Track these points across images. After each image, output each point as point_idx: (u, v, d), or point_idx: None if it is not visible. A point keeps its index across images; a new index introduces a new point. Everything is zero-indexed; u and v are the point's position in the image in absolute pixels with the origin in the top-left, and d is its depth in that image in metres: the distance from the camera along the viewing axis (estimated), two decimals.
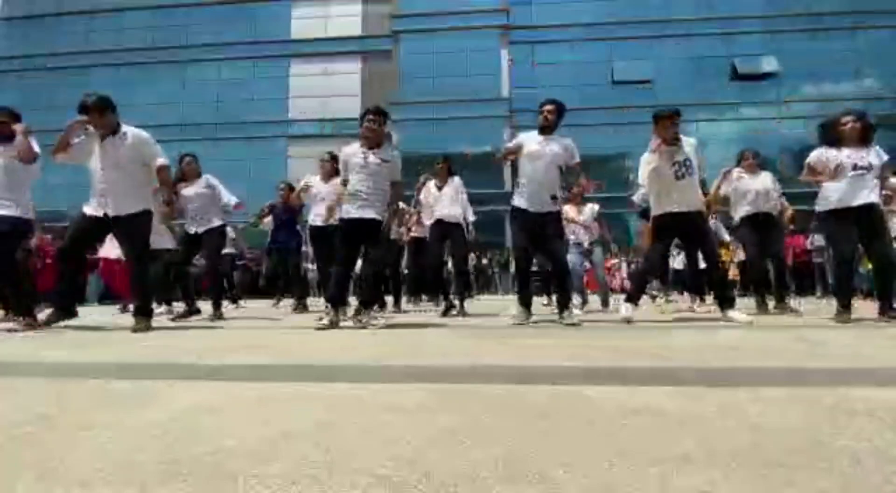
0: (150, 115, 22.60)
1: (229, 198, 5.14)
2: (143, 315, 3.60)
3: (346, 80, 22.94)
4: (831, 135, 3.88)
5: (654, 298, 8.33)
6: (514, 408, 1.20)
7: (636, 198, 5.72)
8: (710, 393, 1.34)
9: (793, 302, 5.26)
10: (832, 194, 3.75)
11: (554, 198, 3.89)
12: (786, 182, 5.74)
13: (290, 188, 6.12)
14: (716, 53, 21.21)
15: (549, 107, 3.89)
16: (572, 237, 5.73)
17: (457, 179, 5.23)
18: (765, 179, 5.02)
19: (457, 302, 5.11)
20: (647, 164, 3.97)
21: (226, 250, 7.10)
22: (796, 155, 21.06)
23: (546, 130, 3.88)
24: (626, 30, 21.90)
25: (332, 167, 5.10)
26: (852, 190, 3.67)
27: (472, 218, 5.37)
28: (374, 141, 3.68)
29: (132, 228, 3.62)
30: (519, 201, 3.92)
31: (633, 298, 4.04)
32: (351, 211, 3.67)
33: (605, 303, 5.86)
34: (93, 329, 3.65)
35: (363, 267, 3.95)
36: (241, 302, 7.74)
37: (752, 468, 0.79)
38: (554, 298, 4.59)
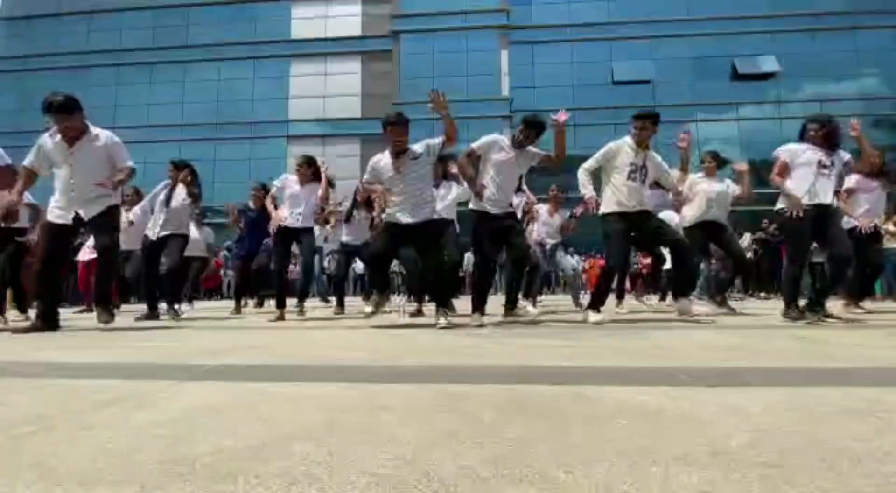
0: (150, 115, 22.69)
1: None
2: (105, 305, 3.61)
3: (346, 80, 22.96)
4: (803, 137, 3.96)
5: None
6: (514, 408, 1.20)
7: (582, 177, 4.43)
8: (711, 393, 1.34)
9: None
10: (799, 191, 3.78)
11: (510, 205, 4.02)
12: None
13: (264, 189, 5.98)
14: (716, 53, 21.21)
15: (522, 128, 3.84)
16: (535, 236, 5.75)
17: (454, 185, 5.10)
18: (722, 186, 5.06)
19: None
20: (610, 146, 4.00)
21: (199, 254, 7.19)
22: None
23: (521, 144, 3.88)
24: (626, 30, 21.91)
25: (309, 173, 4.97)
26: (817, 187, 3.74)
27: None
28: (400, 148, 3.68)
29: (103, 224, 3.62)
30: (480, 205, 3.87)
31: (595, 303, 3.95)
32: (399, 216, 3.69)
33: (576, 301, 6.02)
34: (92, 329, 3.65)
35: (427, 268, 3.99)
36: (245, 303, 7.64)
37: (752, 468, 0.79)
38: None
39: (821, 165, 3.76)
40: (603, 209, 3.98)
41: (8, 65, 23.60)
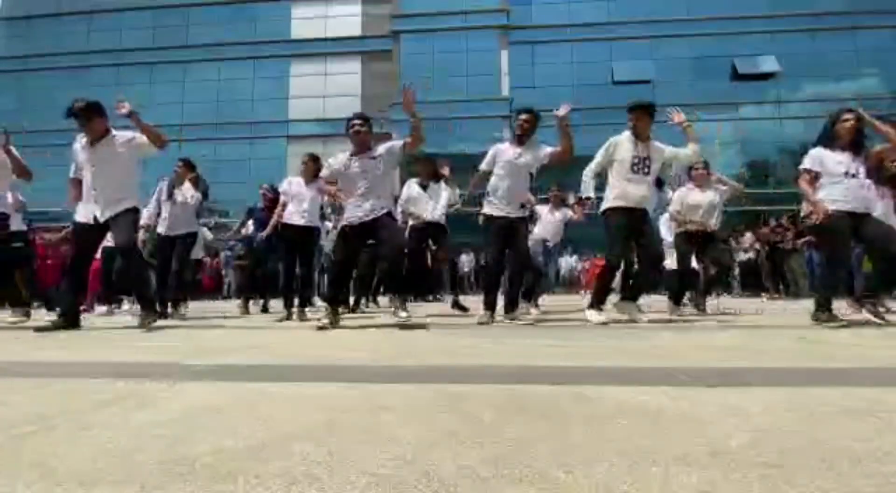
0: (151, 115, 22.57)
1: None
2: (149, 309, 3.65)
3: (346, 80, 22.94)
4: (831, 131, 3.70)
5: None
6: (514, 408, 1.20)
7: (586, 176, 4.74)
8: (711, 393, 1.34)
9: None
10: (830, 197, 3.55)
11: (522, 206, 4.00)
12: (785, 184, 5.76)
13: (274, 191, 6.01)
14: (716, 53, 21.19)
15: (524, 116, 3.94)
16: (537, 233, 5.73)
17: (443, 186, 5.18)
18: (713, 195, 4.96)
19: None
20: (610, 141, 3.97)
21: (200, 255, 7.14)
22: (796, 155, 21.11)
23: (522, 139, 3.94)
24: (626, 30, 21.89)
25: (314, 168, 4.88)
26: (851, 195, 3.50)
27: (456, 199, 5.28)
28: (363, 146, 3.66)
29: (123, 225, 3.66)
30: (491, 209, 3.98)
31: (595, 302, 3.96)
32: (353, 215, 3.65)
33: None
34: (92, 329, 3.65)
35: (381, 264, 3.96)
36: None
37: (752, 468, 0.79)
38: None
39: (846, 174, 3.50)
40: (605, 205, 3.97)
41: (8, 65, 23.56)
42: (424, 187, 5.12)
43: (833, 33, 20.88)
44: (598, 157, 4.00)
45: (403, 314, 3.55)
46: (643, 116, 3.86)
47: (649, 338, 2.82)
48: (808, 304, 3.74)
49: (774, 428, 1.02)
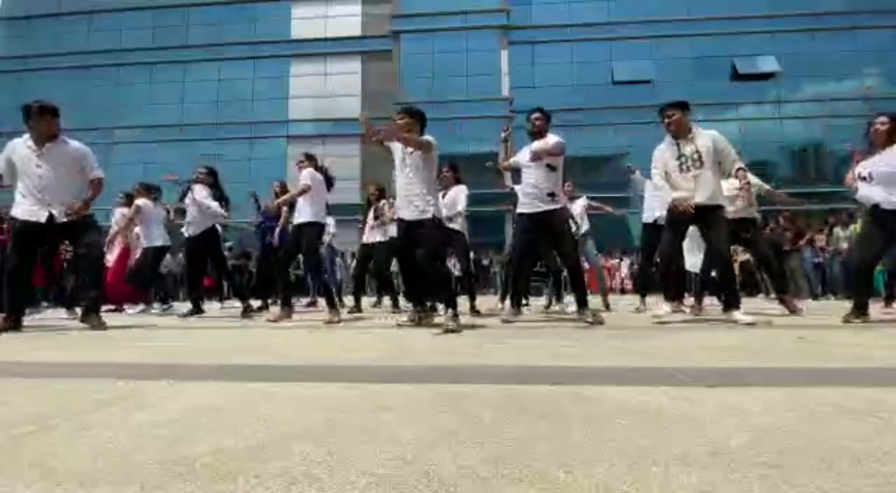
0: (151, 115, 22.68)
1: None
2: (95, 313, 3.72)
3: (346, 80, 22.94)
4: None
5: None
6: (514, 408, 1.20)
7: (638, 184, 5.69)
8: (710, 393, 1.34)
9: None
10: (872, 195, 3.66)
11: (552, 195, 3.93)
12: (785, 184, 5.74)
13: (283, 188, 6.03)
14: (716, 53, 21.19)
15: (536, 115, 4.05)
16: None
17: (462, 188, 5.18)
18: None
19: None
20: (656, 157, 4.01)
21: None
22: (796, 155, 21.11)
23: (537, 136, 4.02)
24: (626, 30, 21.89)
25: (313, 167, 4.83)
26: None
27: (461, 208, 5.17)
28: (401, 139, 3.54)
29: (83, 231, 3.72)
30: (521, 208, 4.08)
31: (666, 296, 4.15)
32: (402, 214, 3.68)
33: (604, 304, 5.73)
34: (92, 330, 3.65)
35: (414, 270, 3.88)
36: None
37: (752, 468, 0.79)
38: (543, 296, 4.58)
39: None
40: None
41: (8, 65, 23.55)
42: (443, 195, 5.06)
43: (833, 33, 20.88)
44: (655, 171, 3.95)
45: (450, 324, 3.36)
46: (675, 114, 3.85)
47: (649, 338, 2.82)
48: (809, 304, 3.74)
49: (774, 428, 1.02)
